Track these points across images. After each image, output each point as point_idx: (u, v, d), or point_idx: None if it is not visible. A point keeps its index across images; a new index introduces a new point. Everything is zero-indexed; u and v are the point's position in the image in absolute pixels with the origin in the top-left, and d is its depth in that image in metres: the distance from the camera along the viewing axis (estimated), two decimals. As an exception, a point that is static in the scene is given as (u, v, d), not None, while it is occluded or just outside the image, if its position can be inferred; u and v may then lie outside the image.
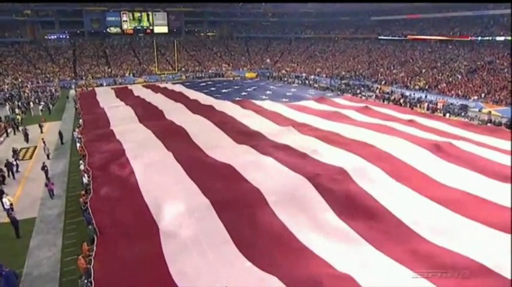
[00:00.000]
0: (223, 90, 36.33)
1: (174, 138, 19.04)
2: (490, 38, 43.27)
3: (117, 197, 12.64)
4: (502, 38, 41.53)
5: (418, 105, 30.96)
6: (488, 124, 24.57)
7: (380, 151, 15.83)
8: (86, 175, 14.16)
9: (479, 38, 44.17)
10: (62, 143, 21.58)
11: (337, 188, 12.23)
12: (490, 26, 45.07)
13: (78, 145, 18.96)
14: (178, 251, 9.31)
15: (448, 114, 27.27)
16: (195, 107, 26.68)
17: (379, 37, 57.97)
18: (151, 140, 18.76)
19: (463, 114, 27.45)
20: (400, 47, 52.68)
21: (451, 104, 30.27)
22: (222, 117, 23.29)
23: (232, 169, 14.23)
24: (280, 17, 71.74)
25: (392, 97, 33.83)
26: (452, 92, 33.16)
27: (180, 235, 9.96)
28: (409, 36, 52.88)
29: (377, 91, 37.76)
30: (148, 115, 25.04)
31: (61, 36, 62.02)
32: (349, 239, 10.00)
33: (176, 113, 24.83)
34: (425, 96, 33.25)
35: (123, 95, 35.09)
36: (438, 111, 28.65)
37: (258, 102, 28.09)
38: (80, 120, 24.77)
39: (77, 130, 21.76)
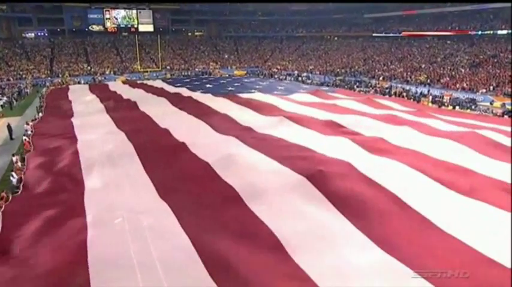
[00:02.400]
0: (208, 86, 33.16)
1: (143, 132, 15.76)
2: (491, 32, 41.22)
3: (47, 205, 9.24)
4: (504, 32, 39.46)
5: (421, 99, 28.27)
6: (506, 116, 21.94)
7: (393, 144, 12.86)
8: (14, 174, 10.80)
9: (480, 32, 42.07)
10: (12, 138, 18.12)
11: (345, 187, 9.15)
12: (490, 20, 43.08)
13: (24, 138, 15.58)
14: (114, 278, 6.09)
15: (457, 107, 24.64)
16: (174, 99, 23.49)
17: (374, 34, 55.74)
18: (114, 134, 15.43)
19: (473, 107, 24.82)
20: (396, 44, 50.49)
21: (457, 98, 27.73)
22: (203, 109, 20.15)
23: (208, 167, 10.95)
24: (271, 15, 69.09)
25: (393, 91, 31.17)
26: (457, 85, 30.66)
27: (123, 259, 6.69)
28: (404, 33, 50.66)
29: (375, 86, 35.03)
30: (119, 107, 21.77)
31: (39, 34, 58.20)
32: (364, 251, 6.98)
33: (151, 105, 21.62)
34: (428, 91, 30.68)
35: (98, 90, 31.78)
36: (445, 104, 26.01)
37: (245, 95, 25.04)
38: (40, 114, 21.47)
39: (30, 123, 18.36)
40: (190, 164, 11.28)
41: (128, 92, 28.20)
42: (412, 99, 28.19)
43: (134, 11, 61.79)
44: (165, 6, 63.68)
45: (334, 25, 63.49)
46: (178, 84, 33.49)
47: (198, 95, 25.12)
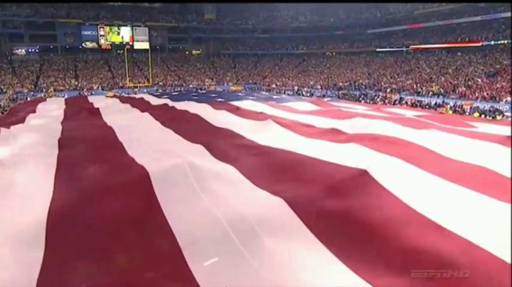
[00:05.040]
0: (196, 98, 29.78)
1: (88, 142, 11.91)
2: (504, 41, 38.24)
3: None
4: (520, 41, 36.48)
5: (437, 108, 24.73)
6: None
7: (420, 147, 9.07)
8: None
9: (492, 42, 39.11)
10: None
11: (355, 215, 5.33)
12: (502, 30, 40.19)
13: None
14: None
15: (482, 116, 21.00)
16: (146, 107, 20.03)
17: (378, 49, 53.13)
18: (43, 146, 11.51)
19: (502, 116, 21.14)
20: (401, 58, 47.65)
21: (477, 107, 24.19)
22: (176, 114, 16.59)
23: (145, 187, 6.85)
24: (271, 32, 66.96)
25: (404, 102, 27.68)
26: (476, 95, 27.18)
27: None
28: (411, 47, 47.91)
29: (384, 99, 31.54)
30: (80, 116, 18.29)
31: (30, 50, 56.08)
32: None
33: (117, 113, 18.15)
34: (443, 101, 27.19)
35: (73, 101, 28.67)
36: (466, 114, 22.42)
37: (234, 102, 21.54)
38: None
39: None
40: (120, 175, 7.49)
41: (101, 102, 24.96)
42: (427, 109, 24.63)
43: (130, 28, 60.03)
44: (162, 23, 62.03)
45: (336, 42, 61.20)
46: (165, 97, 30.22)
47: (177, 103, 21.63)
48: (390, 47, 51.17)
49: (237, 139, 10.89)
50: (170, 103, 22.51)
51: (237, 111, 16.90)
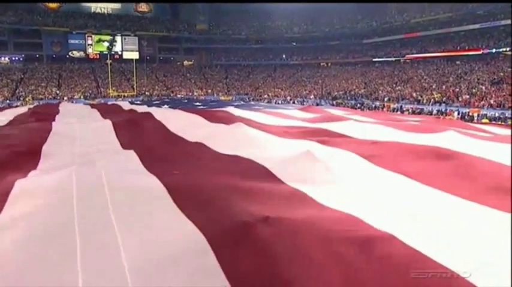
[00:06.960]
0: (176, 106, 27.15)
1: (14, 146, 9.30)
2: (506, 49, 36.46)
3: None
4: (523, 48, 34.69)
5: (441, 116, 22.51)
6: None
7: (443, 149, 6.47)
8: None
9: (494, 50, 37.31)
10: None
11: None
12: (503, 37, 38.49)
13: None
14: None
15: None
16: (110, 111, 17.40)
17: (374, 59, 51.34)
18: None
19: (514, 123, 18.89)
20: (398, 68, 45.83)
21: (485, 114, 21.98)
22: (136, 119, 13.90)
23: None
24: (264, 43, 65.22)
25: (404, 110, 25.43)
26: (482, 102, 25.01)
27: None
28: (407, 56, 46.19)
29: (382, 108, 29.33)
30: (31, 119, 15.62)
31: (13, 59, 53.77)
32: None
33: (72, 117, 15.47)
34: (445, 109, 25.02)
35: (39, 108, 25.90)
36: (475, 121, 20.13)
37: (212, 109, 18.95)
38: None
39: None
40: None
41: (69, 107, 22.43)
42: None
43: (119, 37, 58.19)
44: (153, 33, 60.25)
45: (331, 52, 59.46)
46: (143, 105, 27.50)
47: (149, 109, 19.01)
48: (387, 57, 49.43)
49: (189, 145, 8.27)
50: (141, 109, 19.74)
51: (208, 116, 14.26)
